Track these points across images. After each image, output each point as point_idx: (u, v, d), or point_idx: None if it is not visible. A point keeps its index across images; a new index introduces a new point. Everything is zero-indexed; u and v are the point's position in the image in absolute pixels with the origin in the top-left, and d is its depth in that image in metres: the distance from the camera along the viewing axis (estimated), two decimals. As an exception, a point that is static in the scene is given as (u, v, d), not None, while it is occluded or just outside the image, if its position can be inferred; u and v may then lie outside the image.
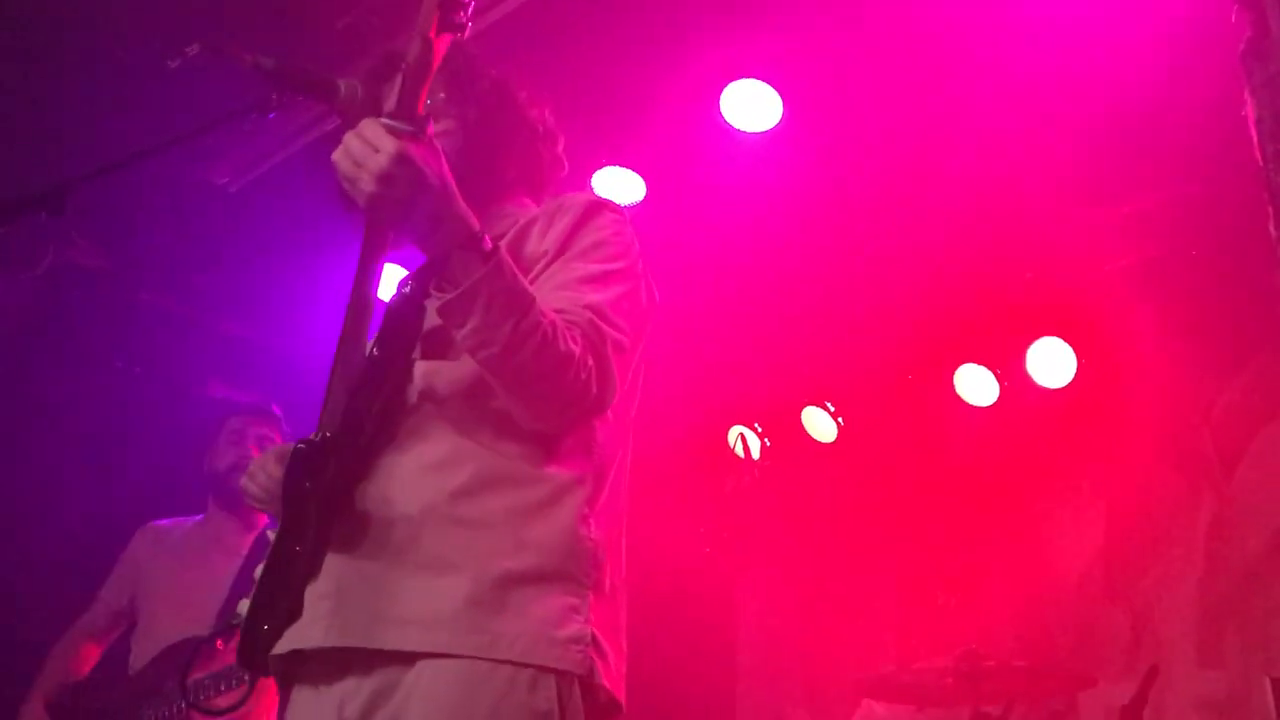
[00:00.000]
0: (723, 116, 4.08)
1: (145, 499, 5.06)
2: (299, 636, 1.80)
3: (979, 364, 5.12)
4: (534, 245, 1.99)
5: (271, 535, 1.86)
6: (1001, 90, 3.92)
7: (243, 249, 4.74)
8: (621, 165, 4.35)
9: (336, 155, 1.64)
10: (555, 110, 2.28)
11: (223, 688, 3.38)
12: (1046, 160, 4.24)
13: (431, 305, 1.81)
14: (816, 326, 5.29)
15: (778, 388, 5.63)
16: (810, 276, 4.98)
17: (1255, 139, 1.38)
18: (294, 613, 1.80)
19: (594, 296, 1.89)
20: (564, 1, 3.65)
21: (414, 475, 1.83)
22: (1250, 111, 1.38)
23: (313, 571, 1.80)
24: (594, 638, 1.82)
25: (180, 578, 3.95)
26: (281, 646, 1.81)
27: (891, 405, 5.50)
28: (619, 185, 4.37)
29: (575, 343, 1.78)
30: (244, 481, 1.99)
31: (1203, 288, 4.65)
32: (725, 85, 4.03)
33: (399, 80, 1.68)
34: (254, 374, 5.48)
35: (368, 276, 1.80)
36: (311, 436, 1.81)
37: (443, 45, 1.69)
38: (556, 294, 1.88)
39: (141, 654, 3.82)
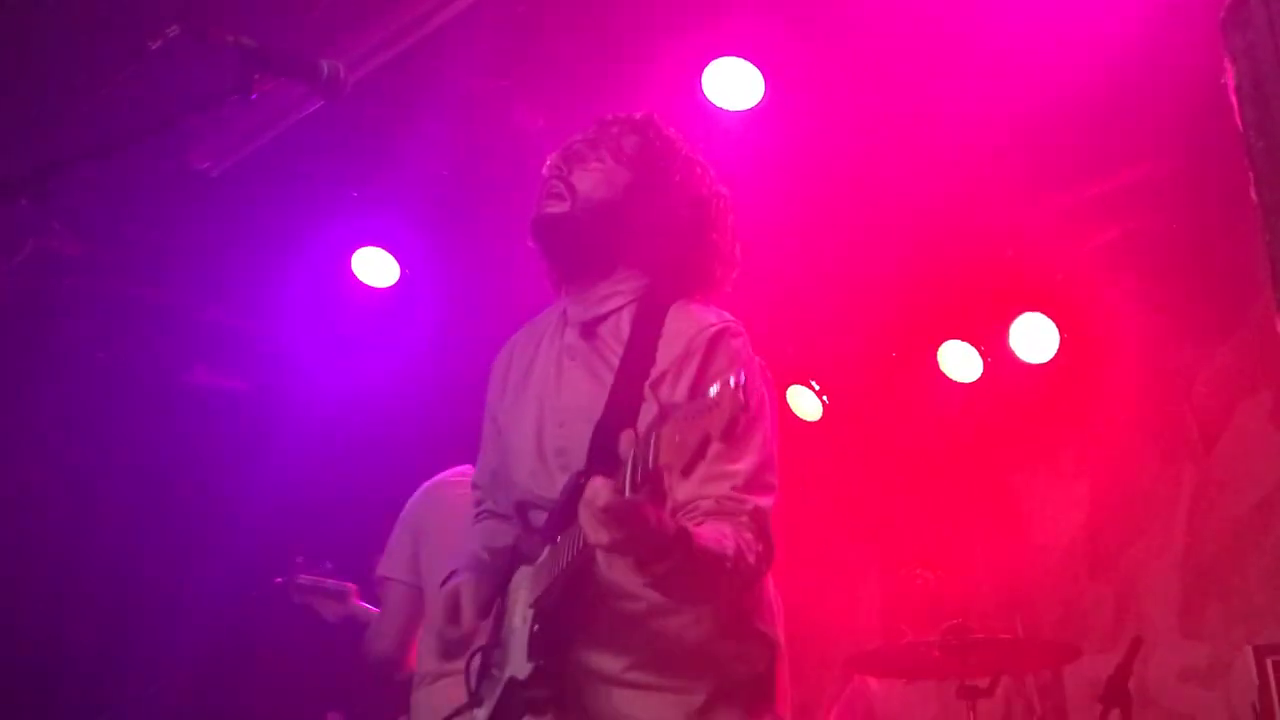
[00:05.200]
0: (705, 95, 4.07)
1: (130, 488, 5.06)
2: None
3: (962, 340, 5.14)
4: (666, 395, 2.11)
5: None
6: (981, 67, 3.92)
7: (224, 234, 4.71)
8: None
9: (583, 517, 1.79)
10: (739, 251, 2.39)
11: None
12: (1027, 137, 4.25)
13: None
14: (800, 305, 5.29)
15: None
16: (793, 255, 4.97)
17: (1235, 106, 1.39)
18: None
19: (745, 465, 2.09)
20: (544, -19, 3.63)
21: (621, 633, 2.11)
22: (1230, 79, 1.39)
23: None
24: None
25: None
26: None
27: (876, 383, 5.52)
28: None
29: (751, 551, 2.02)
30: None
31: (1183, 261, 4.68)
32: (706, 64, 4.02)
33: (647, 444, 1.71)
34: (238, 360, 5.47)
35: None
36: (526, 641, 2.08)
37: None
38: (712, 468, 1.98)
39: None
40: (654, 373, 2.16)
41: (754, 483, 2.10)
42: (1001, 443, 5.30)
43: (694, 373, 2.12)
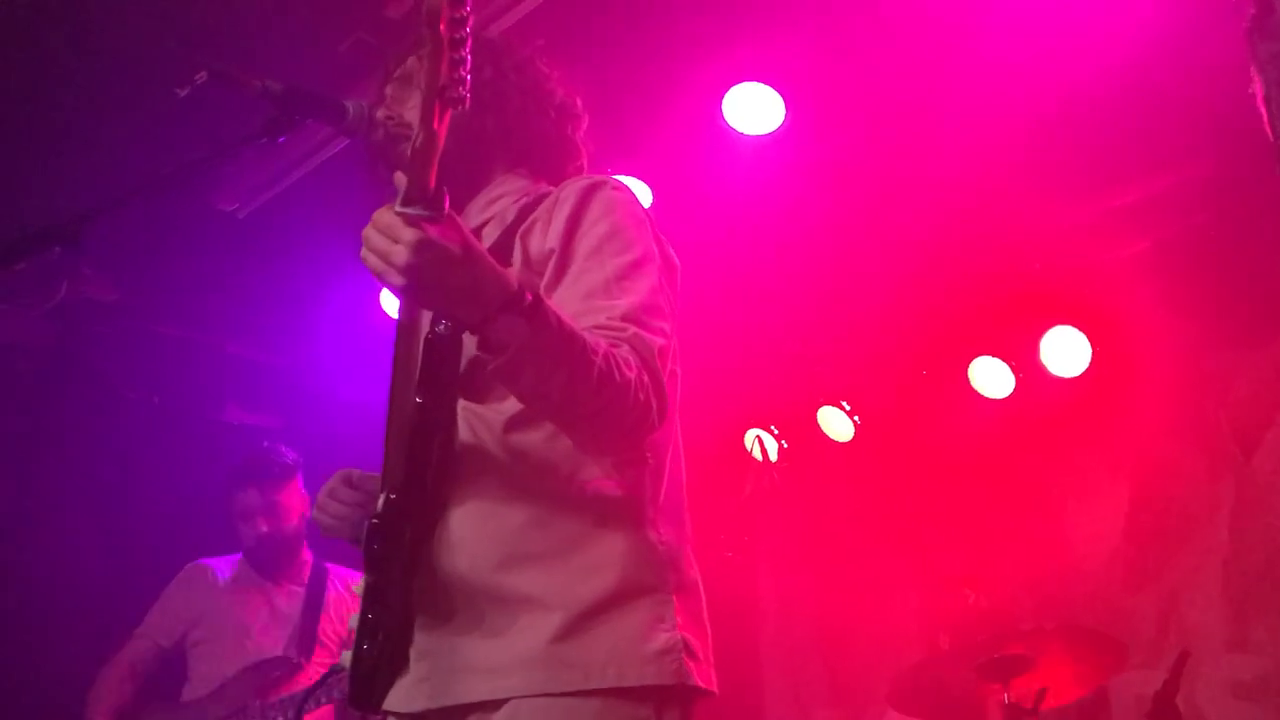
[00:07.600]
0: (726, 121, 4.08)
1: (165, 528, 5.09)
2: (404, 699, 1.84)
3: (993, 356, 5.11)
4: (538, 243, 1.97)
5: (357, 588, 1.87)
6: (1005, 82, 3.91)
7: (254, 274, 4.75)
8: (626, 173, 4.36)
9: (362, 253, 1.60)
10: (582, 97, 2.29)
11: (310, 705, 3.79)
12: (1051, 150, 4.23)
13: (468, 342, 1.80)
14: (828, 326, 5.28)
15: (793, 389, 5.62)
16: (820, 277, 4.97)
17: (1264, 115, 1.38)
18: (399, 669, 1.85)
19: (626, 301, 1.85)
20: (564, 10, 3.65)
21: (477, 520, 1.84)
22: (1258, 88, 1.39)
23: (407, 629, 1.84)
24: (684, 642, 1.82)
25: (236, 611, 4.23)
26: (392, 704, 1.85)
27: (907, 401, 5.49)
28: (625, 194, 4.38)
29: (630, 367, 1.74)
30: (315, 514, 2.07)
31: (1214, 270, 4.63)
32: (727, 89, 4.04)
33: (410, 161, 1.58)
34: (270, 398, 5.51)
35: (413, 337, 1.82)
36: (379, 502, 1.84)
37: (445, 123, 1.59)
38: (587, 304, 1.84)
39: (204, 681, 4.08)
40: (524, 225, 2.00)
41: (635, 317, 1.82)
42: (1036, 458, 5.25)
43: (566, 214, 1.94)
